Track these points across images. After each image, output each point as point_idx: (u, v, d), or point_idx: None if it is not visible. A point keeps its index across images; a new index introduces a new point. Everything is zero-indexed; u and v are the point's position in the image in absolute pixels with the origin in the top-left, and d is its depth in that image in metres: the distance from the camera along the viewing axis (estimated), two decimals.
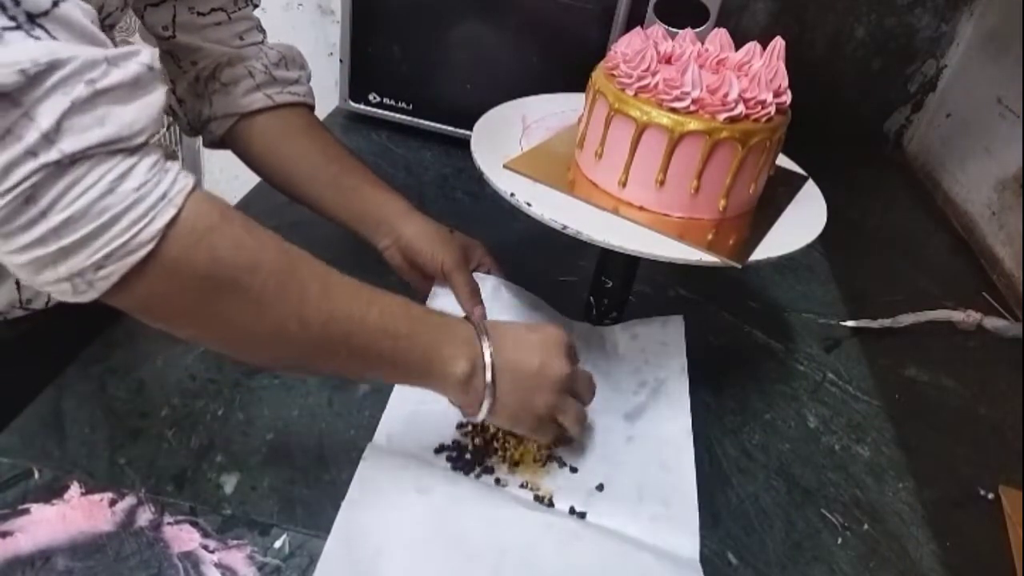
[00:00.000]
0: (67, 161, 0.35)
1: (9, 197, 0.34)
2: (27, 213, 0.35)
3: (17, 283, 0.59)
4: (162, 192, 0.38)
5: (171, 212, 0.38)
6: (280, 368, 0.51)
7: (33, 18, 0.35)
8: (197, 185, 0.41)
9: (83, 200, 0.36)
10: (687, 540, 0.53)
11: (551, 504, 0.55)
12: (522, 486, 0.56)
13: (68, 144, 0.35)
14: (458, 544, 0.49)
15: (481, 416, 0.51)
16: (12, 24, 0.34)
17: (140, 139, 0.38)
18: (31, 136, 0.34)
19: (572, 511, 0.54)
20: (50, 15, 0.36)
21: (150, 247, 0.38)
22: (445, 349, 0.50)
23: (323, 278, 0.46)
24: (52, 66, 0.34)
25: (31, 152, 0.34)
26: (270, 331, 0.44)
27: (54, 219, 0.36)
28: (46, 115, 0.34)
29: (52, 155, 0.35)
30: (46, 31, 0.35)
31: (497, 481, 0.56)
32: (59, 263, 0.37)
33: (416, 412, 0.59)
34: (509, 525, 0.51)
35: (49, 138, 0.35)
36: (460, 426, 0.59)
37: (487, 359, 0.50)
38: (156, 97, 0.39)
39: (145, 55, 0.39)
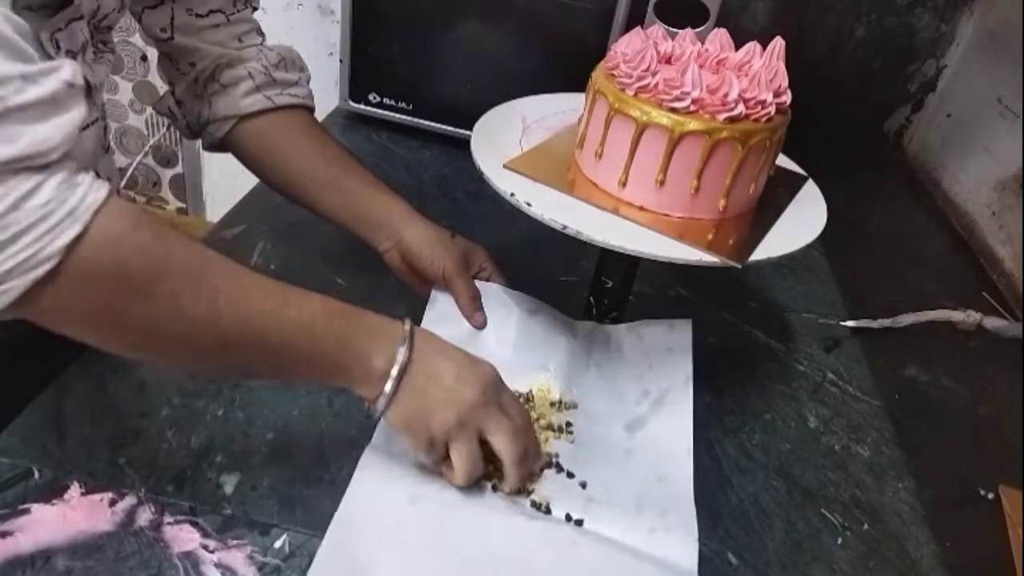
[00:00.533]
0: None
1: None
2: None
3: None
4: (69, 208, 0.38)
5: (76, 229, 0.38)
6: (202, 371, 0.50)
7: None
8: (111, 195, 0.40)
9: None
10: (685, 551, 0.52)
11: (548, 511, 0.54)
12: (519, 492, 0.55)
13: None
14: (454, 552, 0.49)
15: (377, 411, 0.50)
16: None
17: (52, 156, 0.37)
18: None
19: (569, 518, 0.53)
20: None
21: (52, 263, 0.37)
22: (362, 342, 0.49)
23: (236, 278, 0.46)
24: None
25: None
26: (184, 334, 0.44)
27: None
28: None
29: None
30: None
31: (494, 488, 0.55)
32: None
33: None
34: (505, 533, 0.51)
35: None
36: None
37: (400, 356, 0.49)
38: (74, 115, 0.39)
39: (66, 71, 0.38)
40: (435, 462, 0.53)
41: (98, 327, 0.43)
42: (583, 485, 0.56)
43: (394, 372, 0.49)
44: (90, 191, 0.39)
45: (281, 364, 0.49)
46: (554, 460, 0.58)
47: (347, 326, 0.49)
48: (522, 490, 0.55)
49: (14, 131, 0.36)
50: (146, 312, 0.42)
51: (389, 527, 0.50)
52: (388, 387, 0.49)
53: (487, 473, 0.55)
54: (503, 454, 0.52)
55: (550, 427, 0.61)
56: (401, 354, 0.49)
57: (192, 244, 0.45)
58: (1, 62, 0.36)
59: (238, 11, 0.68)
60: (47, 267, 0.37)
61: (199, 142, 0.72)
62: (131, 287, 0.41)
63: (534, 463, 0.56)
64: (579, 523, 0.53)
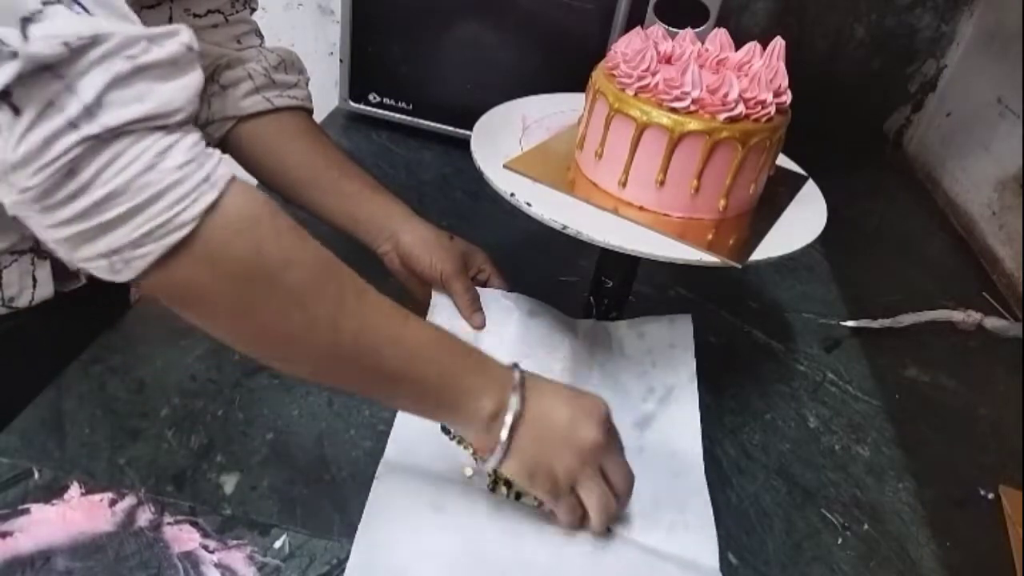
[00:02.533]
0: (108, 135, 0.35)
1: (51, 170, 0.34)
2: (68, 187, 0.35)
3: None
4: (205, 175, 0.38)
5: (212, 196, 0.38)
6: (304, 372, 0.50)
7: None
8: (235, 177, 0.40)
9: (124, 175, 0.36)
10: (707, 546, 0.53)
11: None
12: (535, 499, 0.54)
13: (109, 117, 0.35)
14: (482, 562, 0.49)
15: (492, 462, 0.48)
16: None
17: (180, 116, 0.38)
18: (73, 109, 0.34)
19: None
20: None
21: (189, 228, 0.37)
22: (474, 382, 0.48)
23: (360, 288, 0.45)
24: (95, 40, 0.34)
25: (72, 124, 0.34)
26: (302, 332, 0.43)
27: (95, 193, 0.35)
28: (88, 88, 0.34)
29: (93, 128, 0.34)
30: (83, 7, 0.35)
31: (517, 496, 0.54)
32: (98, 239, 0.37)
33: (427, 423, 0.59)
34: (531, 539, 0.51)
35: (90, 111, 0.34)
36: None
37: (514, 403, 0.47)
38: (194, 78, 0.39)
39: (184, 35, 0.39)
40: (571, 512, 0.50)
41: (222, 310, 0.42)
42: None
43: (508, 420, 0.47)
44: (221, 163, 0.39)
45: (390, 387, 0.47)
46: None
47: (457, 360, 0.48)
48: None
49: (144, 89, 0.36)
50: (270, 302, 0.42)
51: (417, 537, 0.50)
52: (503, 435, 0.47)
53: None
54: (619, 489, 0.51)
55: None
56: (514, 402, 0.47)
57: (320, 245, 0.44)
58: (129, 24, 0.36)
59: (237, 12, 0.68)
60: (183, 232, 0.37)
61: None
62: (261, 272, 0.41)
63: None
64: None
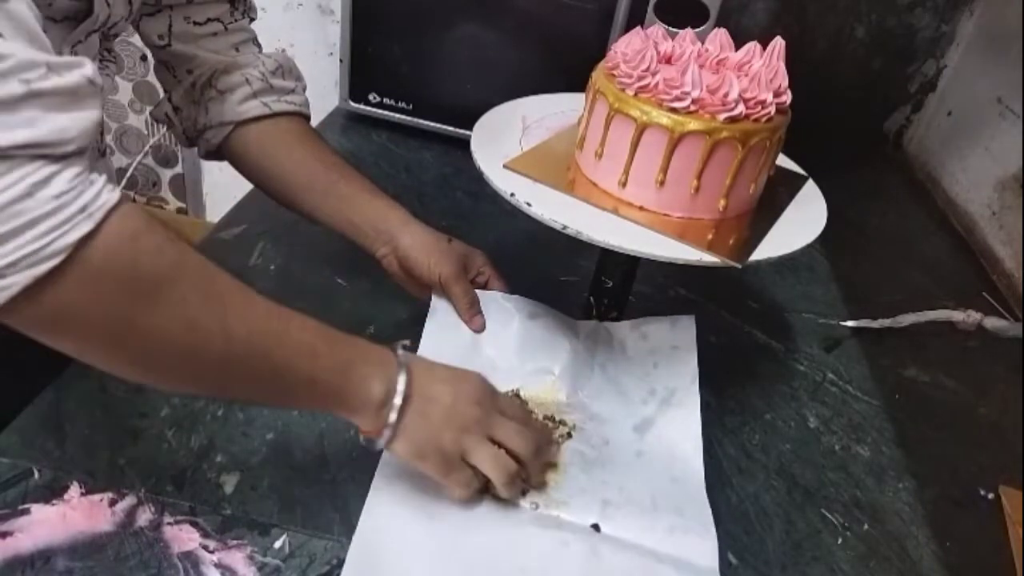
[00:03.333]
0: None
1: None
2: None
3: None
4: (82, 204, 0.37)
5: (87, 227, 0.37)
6: (194, 391, 0.49)
7: None
8: (123, 201, 0.39)
9: None
10: (705, 547, 0.53)
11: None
12: (543, 486, 0.55)
13: None
14: (478, 567, 0.49)
15: (381, 443, 0.49)
16: None
17: (68, 148, 0.37)
18: None
19: (589, 526, 0.54)
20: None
21: (58, 260, 0.36)
22: (361, 369, 0.48)
23: (242, 291, 0.45)
24: None
25: None
26: (191, 346, 0.42)
27: None
28: None
29: None
30: None
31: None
32: None
33: None
34: (526, 545, 0.51)
35: None
36: None
37: (400, 385, 0.49)
38: (92, 112, 0.38)
39: (88, 68, 0.38)
40: (465, 485, 0.52)
41: (99, 335, 0.41)
42: (598, 490, 0.56)
43: (397, 401, 0.48)
44: (104, 190, 0.38)
45: (281, 386, 0.47)
46: (565, 467, 0.58)
47: (347, 351, 0.49)
48: (545, 484, 0.55)
49: (35, 115, 0.35)
50: (153, 318, 0.40)
51: (412, 545, 0.50)
52: (392, 417, 0.49)
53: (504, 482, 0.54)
54: (519, 451, 0.53)
55: (559, 431, 0.61)
56: (401, 383, 0.49)
57: (200, 255, 0.43)
58: (30, 48, 0.36)
59: (236, 20, 0.68)
60: (52, 263, 0.36)
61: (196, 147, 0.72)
62: (141, 288, 0.40)
63: (548, 453, 0.57)
64: (596, 527, 0.53)
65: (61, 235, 0.36)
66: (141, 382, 0.47)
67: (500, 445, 0.52)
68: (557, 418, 0.62)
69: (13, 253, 0.35)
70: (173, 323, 0.41)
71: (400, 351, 0.51)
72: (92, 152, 0.58)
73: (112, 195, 0.39)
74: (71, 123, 0.37)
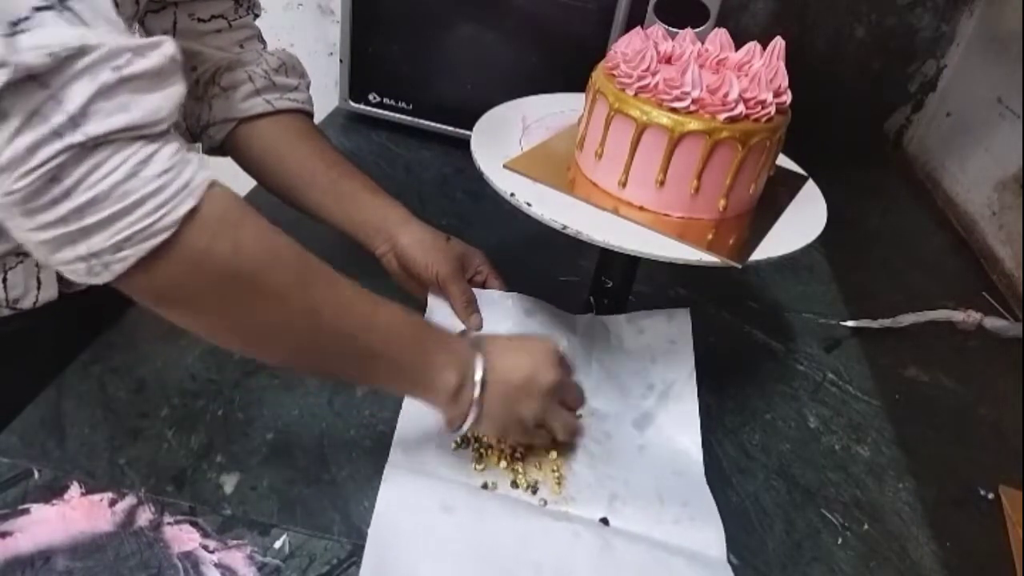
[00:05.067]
0: (91, 144, 0.36)
1: (34, 176, 0.35)
2: (51, 192, 0.36)
3: (3, 283, 0.59)
4: (184, 181, 0.39)
5: (191, 202, 0.39)
6: (285, 361, 0.52)
7: (64, 0, 0.36)
8: (215, 180, 0.41)
9: (106, 182, 0.37)
10: (713, 537, 0.53)
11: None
12: (540, 499, 0.56)
13: (93, 127, 0.36)
14: (492, 561, 0.49)
15: (465, 428, 0.52)
16: (45, 4, 0.35)
17: (162, 127, 0.39)
18: (58, 118, 0.35)
19: (597, 519, 0.54)
20: None
21: (168, 234, 0.39)
22: (439, 358, 0.51)
23: (334, 279, 0.47)
24: (81, 51, 0.35)
25: (57, 133, 0.35)
26: (284, 325, 0.45)
27: (77, 199, 0.36)
28: (73, 98, 0.35)
29: (77, 137, 0.35)
30: (75, 14, 0.36)
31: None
32: (78, 242, 0.38)
33: (428, 426, 0.60)
34: (540, 538, 0.51)
35: (75, 121, 0.35)
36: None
37: (477, 375, 0.51)
38: (177, 88, 0.40)
39: (168, 47, 0.39)
40: (540, 443, 0.58)
41: (204, 309, 0.43)
42: (604, 484, 0.57)
43: (476, 392, 0.51)
44: (200, 168, 0.40)
45: (366, 369, 0.50)
46: (570, 462, 0.58)
47: (425, 339, 0.51)
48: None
49: (128, 99, 0.37)
50: (252, 299, 0.43)
51: (426, 538, 0.50)
52: (473, 409, 0.51)
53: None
54: (575, 406, 0.59)
55: None
56: (479, 370, 0.51)
57: (293, 240, 0.46)
58: (116, 35, 0.37)
59: (240, 17, 0.68)
60: (162, 238, 0.38)
61: (199, 143, 0.72)
62: (242, 273, 0.42)
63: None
64: (604, 521, 0.54)
65: (168, 211, 0.38)
66: (243, 353, 0.51)
67: (563, 402, 0.56)
68: None
69: (127, 229, 0.38)
70: (269, 306, 0.44)
71: (472, 336, 0.54)
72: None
73: (208, 172, 0.41)
74: (162, 102, 0.39)
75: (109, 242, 0.38)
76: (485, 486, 0.56)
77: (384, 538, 0.50)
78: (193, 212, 0.39)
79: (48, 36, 0.34)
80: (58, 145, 0.35)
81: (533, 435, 0.56)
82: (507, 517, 0.52)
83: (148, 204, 0.38)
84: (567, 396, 0.57)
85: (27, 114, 0.34)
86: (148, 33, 0.65)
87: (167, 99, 0.39)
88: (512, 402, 0.53)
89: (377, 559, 0.48)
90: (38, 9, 0.35)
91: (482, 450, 0.58)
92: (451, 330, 0.55)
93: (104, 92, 0.36)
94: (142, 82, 0.38)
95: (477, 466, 0.57)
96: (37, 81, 0.34)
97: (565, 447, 0.59)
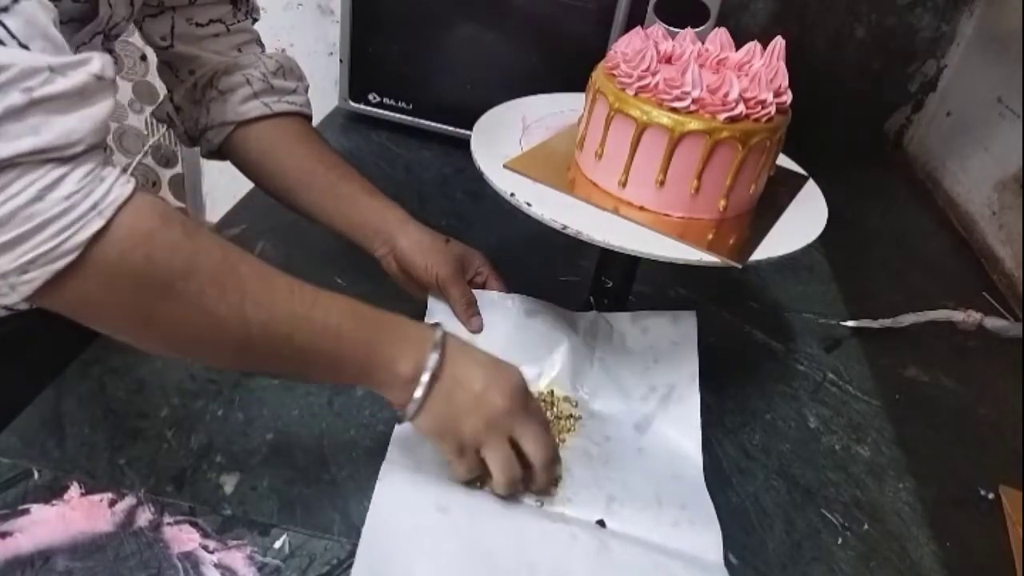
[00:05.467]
0: None
1: None
2: None
3: None
4: (92, 202, 0.38)
5: (98, 224, 0.38)
6: (223, 367, 0.53)
7: None
8: (137, 191, 0.40)
9: (9, 206, 0.36)
10: (711, 541, 0.53)
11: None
12: (538, 499, 0.55)
13: None
14: (488, 562, 0.49)
15: (406, 417, 0.50)
16: None
17: (78, 148, 0.38)
18: None
19: (594, 521, 0.54)
20: (10, 11, 0.36)
21: (72, 257, 0.38)
22: (389, 348, 0.49)
23: (264, 279, 0.46)
24: None
25: None
26: (210, 333, 0.44)
27: None
28: None
29: None
30: (6, 28, 0.35)
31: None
32: None
33: None
34: (536, 540, 0.51)
35: None
36: None
37: (430, 364, 0.49)
38: (101, 108, 0.39)
39: (95, 65, 0.38)
40: (468, 471, 0.53)
41: (125, 322, 0.43)
42: (602, 487, 0.56)
43: (424, 379, 0.49)
44: (115, 186, 0.39)
45: (306, 366, 0.49)
46: (568, 465, 0.58)
47: (375, 331, 0.49)
48: (548, 494, 0.55)
49: (39, 122, 0.36)
50: (172, 310, 0.42)
51: (421, 538, 0.50)
52: (418, 393, 0.49)
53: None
54: (534, 458, 0.53)
55: (559, 427, 0.61)
56: (432, 360, 0.49)
57: (221, 243, 0.45)
58: (33, 53, 0.36)
59: (238, 21, 0.68)
60: (68, 260, 0.38)
61: (198, 146, 0.72)
62: (157, 284, 0.41)
63: (557, 465, 0.56)
64: (601, 523, 0.54)
65: (73, 234, 0.38)
66: (177, 357, 0.50)
67: (515, 444, 0.52)
68: (556, 415, 0.62)
69: (31, 252, 0.37)
70: (191, 314, 0.43)
71: (442, 331, 0.52)
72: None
73: (124, 189, 0.40)
74: (78, 123, 0.38)
75: (13, 264, 0.37)
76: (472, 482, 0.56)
77: (378, 537, 0.49)
78: (102, 231, 0.38)
79: None
80: None
81: (467, 460, 0.52)
82: (503, 518, 0.52)
83: (52, 227, 0.37)
84: (526, 442, 0.52)
85: None
86: (146, 38, 0.65)
87: (86, 119, 0.38)
88: (455, 407, 0.50)
89: (371, 557, 0.48)
90: None
91: None
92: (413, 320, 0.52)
93: (13, 114, 0.35)
94: (58, 103, 0.37)
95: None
96: None
97: (564, 449, 0.59)
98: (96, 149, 0.39)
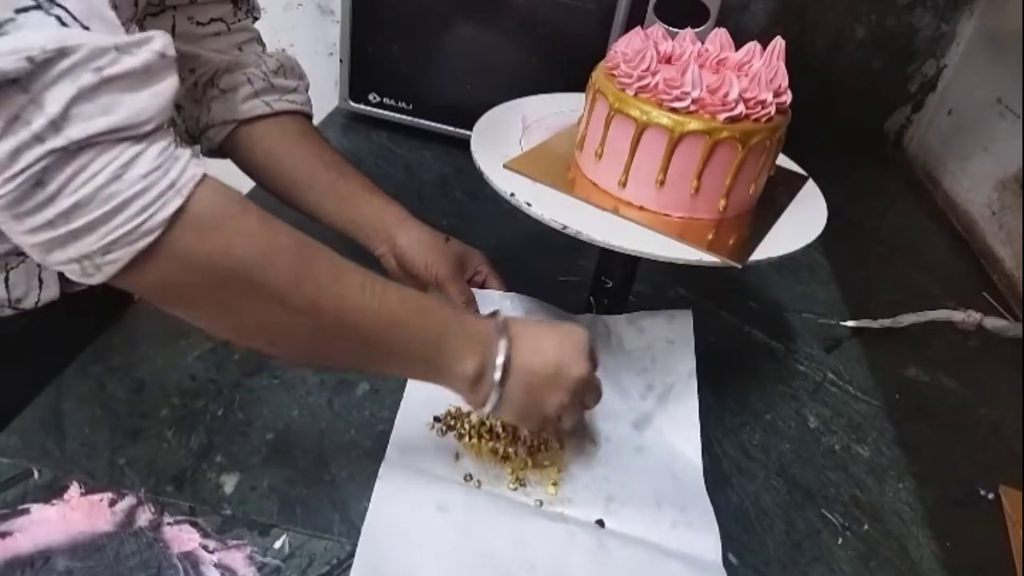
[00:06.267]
0: (74, 147, 0.36)
1: (18, 181, 0.35)
2: (36, 197, 0.36)
3: (5, 283, 0.59)
4: (170, 181, 0.39)
5: (178, 202, 0.39)
6: (291, 357, 0.53)
7: None
8: (206, 176, 0.41)
9: (90, 185, 0.36)
10: (709, 541, 0.53)
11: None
12: (536, 499, 0.55)
13: (74, 131, 0.35)
14: (487, 561, 0.49)
15: (487, 411, 0.51)
16: (31, 4, 0.35)
17: (149, 127, 0.38)
18: (38, 122, 0.35)
19: (593, 521, 0.54)
20: None
21: (156, 235, 0.38)
22: (455, 344, 0.49)
23: (337, 270, 0.46)
24: (60, 53, 0.35)
25: (38, 138, 0.35)
26: (283, 322, 0.44)
27: (62, 203, 0.36)
28: (53, 102, 0.35)
29: (59, 141, 0.35)
30: (67, 11, 0.36)
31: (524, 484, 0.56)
32: (68, 245, 0.38)
33: (427, 425, 0.60)
34: (535, 539, 0.51)
35: (56, 125, 0.35)
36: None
37: (499, 359, 0.49)
38: (167, 85, 0.40)
39: (158, 43, 0.39)
40: (551, 433, 0.57)
41: (201, 307, 0.43)
42: (601, 487, 0.57)
43: (496, 376, 0.49)
44: (189, 165, 0.40)
45: (376, 358, 0.49)
46: (566, 466, 0.58)
47: (442, 325, 0.50)
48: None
49: (111, 101, 0.37)
50: (247, 297, 0.42)
51: (421, 536, 0.50)
52: (493, 394, 0.50)
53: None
54: (589, 406, 0.57)
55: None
56: (501, 356, 0.49)
57: (294, 231, 0.45)
58: (97, 34, 0.37)
59: (239, 20, 0.68)
60: (150, 239, 0.38)
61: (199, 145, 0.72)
62: (233, 271, 0.41)
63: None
64: (600, 523, 0.54)
65: (154, 212, 0.38)
66: (248, 347, 0.50)
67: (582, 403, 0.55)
68: None
69: (114, 232, 0.37)
70: (265, 301, 0.43)
71: (501, 318, 0.52)
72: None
73: (198, 168, 0.40)
74: (148, 101, 0.38)
75: (97, 245, 0.38)
76: (468, 478, 0.56)
77: (378, 536, 0.50)
78: (181, 211, 0.39)
79: (26, 39, 0.34)
80: (40, 150, 0.35)
81: (547, 428, 0.54)
82: (502, 517, 0.52)
83: (134, 206, 0.37)
84: (588, 398, 0.55)
85: (8, 119, 0.34)
86: None
87: (155, 97, 0.39)
88: (536, 391, 0.51)
89: (370, 557, 0.48)
90: (21, 11, 0.34)
91: (465, 439, 0.58)
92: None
93: (85, 94, 0.36)
94: (127, 81, 0.37)
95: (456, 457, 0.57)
96: (18, 85, 0.34)
97: (561, 452, 0.59)
98: (166, 128, 0.40)
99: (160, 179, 0.38)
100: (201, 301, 0.43)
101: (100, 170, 0.36)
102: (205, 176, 0.41)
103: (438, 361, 0.49)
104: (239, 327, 0.45)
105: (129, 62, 0.37)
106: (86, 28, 0.36)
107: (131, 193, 0.37)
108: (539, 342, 0.52)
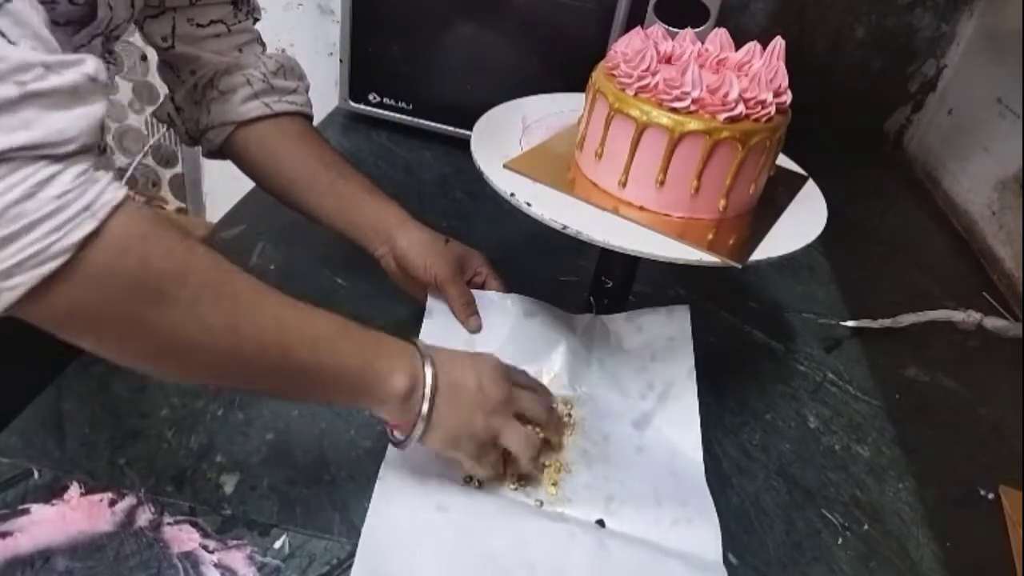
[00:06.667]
0: None
1: None
2: None
3: None
4: (86, 203, 0.37)
5: (91, 225, 0.37)
6: (207, 380, 0.51)
7: None
8: (128, 199, 0.39)
9: (0, 202, 0.34)
10: (710, 541, 0.53)
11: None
12: (536, 499, 0.55)
13: None
14: (487, 561, 0.49)
15: (415, 437, 0.50)
16: None
17: (71, 147, 0.37)
18: None
19: (593, 521, 0.54)
20: (1, 10, 0.35)
21: (63, 259, 0.36)
22: (383, 362, 0.49)
23: (256, 290, 0.45)
24: None
25: None
26: (201, 342, 0.42)
27: None
28: None
29: None
30: None
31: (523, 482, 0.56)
32: None
33: None
34: (535, 539, 0.51)
35: None
36: None
37: (428, 374, 0.49)
38: (94, 108, 0.38)
39: (89, 66, 0.38)
40: (494, 466, 0.54)
41: (111, 332, 0.41)
42: (601, 487, 0.57)
43: (427, 392, 0.49)
44: (108, 188, 0.38)
45: (301, 382, 0.47)
46: (568, 466, 0.58)
47: (369, 345, 0.49)
48: (562, 446, 0.58)
49: (32, 116, 0.35)
50: (163, 317, 0.40)
51: (421, 537, 0.50)
52: (424, 408, 0.49)
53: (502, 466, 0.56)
54: (538, 418, 0.55)
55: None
56: (429, 373, 0.49)
57: (214, 253, 0.43)
58: (26, 49, 0.36)
59: (239, 21, 0.68)
60: (57, 263, 0.36)
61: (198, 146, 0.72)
62: (150, 288, 0.40)
63: (557, 411, 0.59)
64: (600, 523, 0.54)
65: (64, 235, 0.36)
66: (159, 376, 0.48)
67: (521, 417, 0.54)
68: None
69: (18, 254, 0.35)
70: (183, 323, 0.41)
71: (420, 342, 0.52)
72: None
73: (117, 192, 0.38)
74: (71, 122, 0.37)
75: None
76: (468, 478, 0.56)
77: (378, 536, 0.50)
78: (95, 235, 0.37)
79: None
80: None
81: (486, 455, 0.53)
82: (502, 517, 0.52)
83: (42, 227, 0.35)
84: (527, 409, 0.55)
85: None
86: (147, 38, 0.65)
87: (80, 119, 0.37)
88: (464, 408, 0.51)
89: (371, 557, 0.48)
90: None
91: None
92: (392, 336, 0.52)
93: (6, 106, 0.34)
94: (51, 99, 0.36)
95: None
96: None
97: (561, 452, 0.59)
98: (89, 151, 0.38)
99: (74, 201, 0.36)
100: (111, 323, 0.40)
101: (12, 186, 0.34)
102: (127, 198, 0.39)
103: (366, 383, 0.48)
104: (150, 349, 0.42)
105: (55, 80, 0.36)
106: (13, 43, 0.35)
107: (41, 214, 0.35)
108: (457, 360, 0.53)
